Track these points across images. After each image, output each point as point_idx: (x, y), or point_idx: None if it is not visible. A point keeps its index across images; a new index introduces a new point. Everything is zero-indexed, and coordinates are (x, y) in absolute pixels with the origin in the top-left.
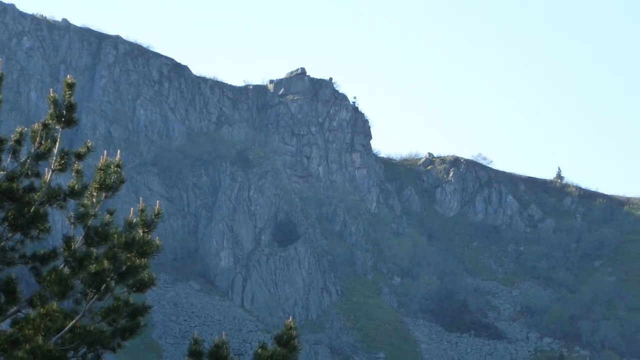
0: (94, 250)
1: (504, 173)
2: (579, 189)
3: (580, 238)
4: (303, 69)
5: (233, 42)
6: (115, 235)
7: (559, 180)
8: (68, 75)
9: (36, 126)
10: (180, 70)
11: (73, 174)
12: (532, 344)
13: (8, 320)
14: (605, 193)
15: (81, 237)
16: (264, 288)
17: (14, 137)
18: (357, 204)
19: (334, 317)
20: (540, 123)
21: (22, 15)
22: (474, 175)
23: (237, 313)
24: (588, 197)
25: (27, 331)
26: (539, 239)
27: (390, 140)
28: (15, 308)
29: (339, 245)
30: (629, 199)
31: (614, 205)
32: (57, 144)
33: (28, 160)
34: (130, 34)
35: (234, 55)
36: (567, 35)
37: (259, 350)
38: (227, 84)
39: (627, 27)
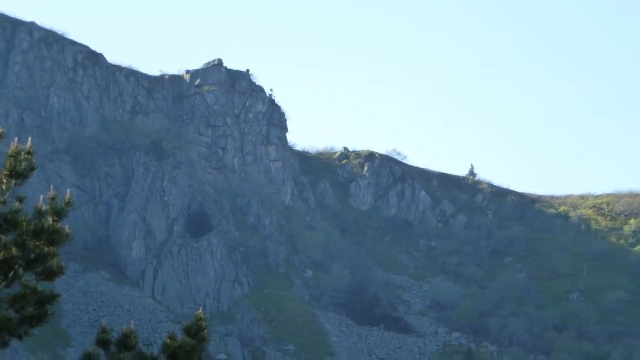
0: (3, 237)
1: (417, 169)
2: (490, 186)
3: (491, 234)
4: (220, 60)
5: (149, 31)
6: (25, 223)
7: (472, 177)
8: None
9: None
10: (95, 58)
11: None
12: (441, 339)
13: None
14: (517, 191)
15: None
16: (175, 279)
17: None
18: (271, 196)
19: (245, 309)
20: (454, 120)
21: None
22: (388, 170)
23: (148, 303)
24: (500, 194)
25: None
26: (450, 235)
27: (306, 133)
28: None
29: (252, 238)
30: (539, 197)
31: (525, 202)
32: None
33: None
34: (46, 21)
35: (150, 45)
36: (479, 31)
37: (168, 341)
38: (142, 73)
39: (539, 23)
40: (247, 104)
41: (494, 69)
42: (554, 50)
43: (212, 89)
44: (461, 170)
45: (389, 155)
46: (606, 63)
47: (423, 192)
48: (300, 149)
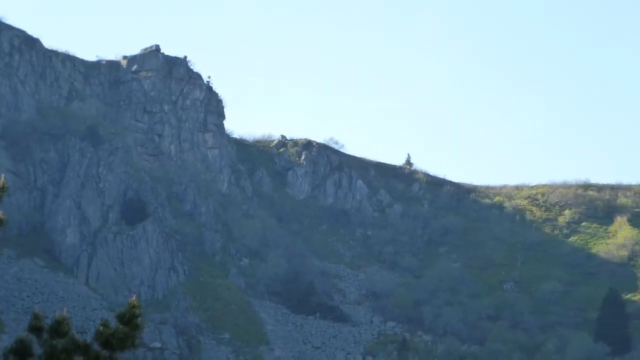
0: None
1: (354, 158)
2: (427, 175)
3: (427, 224)
4: (157, 46)
5: (87, 16)
6: None
7: (408, 167)
8: None
9: None
10: (31, 43)
11: None
12: (376, 328)
13: None
14: (453, 181)
15: None
16: (110, 266)
17: None
18: (208, 184)
19: (181, 297)
20: (391, 110)
21: None
22: (325, 159)
23: (82, 290)
24: (436, 184)
25: None
26: (387, 224)
27: (244, 121)
28: None
29: (188, 225)
30: (475, 187)
31: (461, 192)
32: None
33: None
34: None
35: (87, 30)
36: (410, 19)
37: (101, 328)
38: (79, 58)
39: (470, 13)
40: (185, 90)
41: (430, 59)
42: (488, 38)
43: (149, 75)
44: (398, 160)
45: (327, 144)
46: (541, 52)
47: (360, 182)
48: (237, 137)
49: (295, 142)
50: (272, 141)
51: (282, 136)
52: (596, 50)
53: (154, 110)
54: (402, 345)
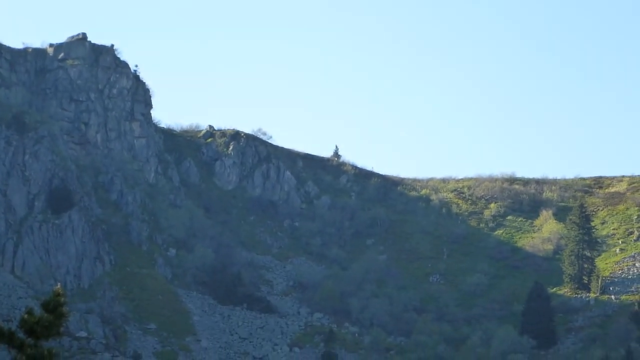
0: None
1: (283, 149)
2: (354, 167)
3: (354, 216)
4: (84, 34)
5: (13, 3)
6: None
7: (336, 159)
8: None
9: None
10: None
11: None
12: (303, 319)
13: None
14: (380, 173)
15: None
16: (35, 255)
17: None
18: (135, 173)
19: (107, 287)
20: (319, 101)
21: None
22: (253, 150)
23: (7, 279)
24: (363, 176)
25: None
26: (314, 216)
27: (172, 111)
28: None
29: (115, 215)
30: (402, 179)
31: (388, 185)
32: None
33: None
34: None
35: (13, 17)
36: (340, 12)
37: (25, 316)
38: (5, 45)
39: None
40: (111, 79)
41: (358, 51)
42: (409, 28)
43: (75, 63)
44: (326, 152)
45: (255, 134)
46: (468, 44)
47: (288, 173)
48: (165, 126)
49: (223, 133)
50: (200, 131)
51: (210, 126)
52: (522, 45)
53: (81, 98)
54: (329, 336)
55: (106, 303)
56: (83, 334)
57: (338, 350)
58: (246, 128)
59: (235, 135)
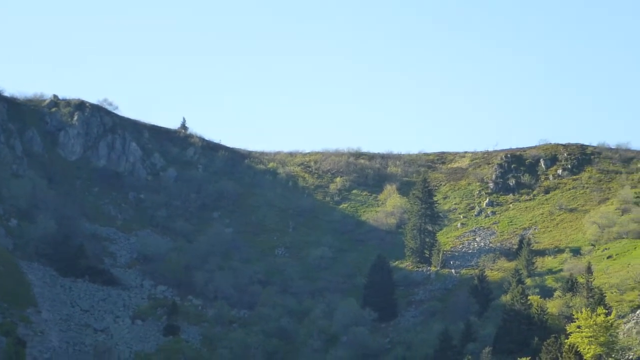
0: None
1: (129, 120)
2: (202, 140)
3: (201, 189)
4: None
5: None
6: None
7: (183, 131)
8: None
9: None
10: None
11: None
12: (146, 292)
13: None
14: (228, 146)
15: None
16: None
17: None
18: None
19: None
20: (167, 72)
21: None
22: (98, 120)
23: None
24: (211, 148)
25: None
26: (160, 188)
27: (15, 79)
28: None
29: None
30: (250, 152)
31: (236, 158)
32: None
33: None
34: None
35: None
36: None
37: None
38: None
39: None
40: None
41: (208, 22)
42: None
43: None
44: (173, 124)
45: (100, 105)
46: (321, 21)
47: (134, 144)
48: (8, 95)
49: (67, 102)
50: (44, 100)
51: (55, 95)
52: (365, 20)
53: None
54: (172, 309)
55: None
56: None
57: (181, 323)
58: (91, 98)
59: (80, 105)
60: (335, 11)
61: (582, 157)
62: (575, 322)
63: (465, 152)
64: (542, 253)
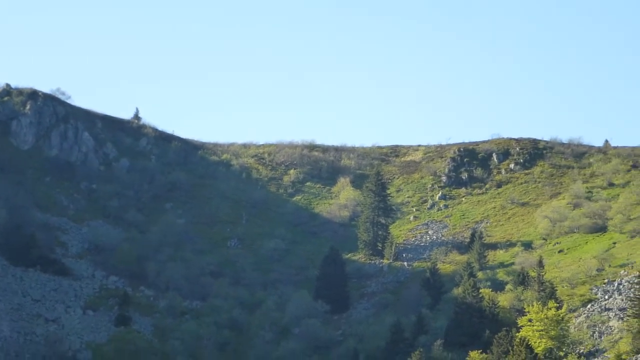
0: None
1: (81, 109)
2: (155, 130)
3: (154, 179)
4: None
5: None
6: None
7: (136, 121)
8: None
9: None
10: None
11: None
12: (98, 282)
13: None
14: (181, 136)
15: None
16: None
17: None
18: None
19: None
20: (120, 62)
21: None
22: (51, 110)
23: None
24: (164, 139)
25: None
26: (113, 178)
27: None
28: None
29: None
30: (203, 143)
31: (189, 149)
32: None
33: None
34: None
35: None
36: None
37: None
38: None
39: None
40: None
41: (163, 10)
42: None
43: None
44: (126, 114)
45: (53, 94)
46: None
47: (86, 134)
48: None
49: (20, 91)
50: None
51: (7, 84)
52: (316, 12)
53: None
54: (124, 299)
55: None
56: None
57: (132, 314)
58: (44, 87)
59: (33, 94)
60: (288, 3)
61: (534, 152)
62: (526, 315)
63: (419, 146)
64: (494, 247)
